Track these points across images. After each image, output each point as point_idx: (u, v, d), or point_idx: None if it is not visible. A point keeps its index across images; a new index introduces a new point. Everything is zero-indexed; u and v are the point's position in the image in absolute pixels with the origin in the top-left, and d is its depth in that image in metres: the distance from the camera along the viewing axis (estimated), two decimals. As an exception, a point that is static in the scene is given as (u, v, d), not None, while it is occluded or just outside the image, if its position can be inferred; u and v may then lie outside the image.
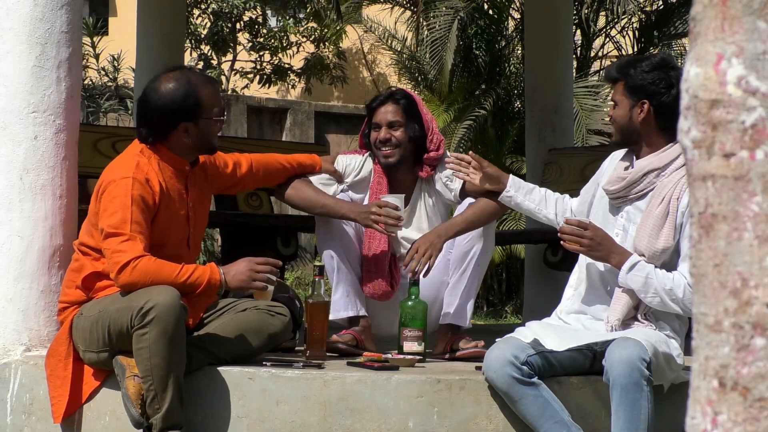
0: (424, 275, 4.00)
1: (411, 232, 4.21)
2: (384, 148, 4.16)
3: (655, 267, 3.44)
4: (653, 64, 3.49)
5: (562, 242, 3.51)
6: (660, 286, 3.40)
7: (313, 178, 4.21)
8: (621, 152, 3.66)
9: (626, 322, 3.51)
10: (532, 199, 3.86)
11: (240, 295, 4.05)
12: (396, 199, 4.03)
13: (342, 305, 4.13)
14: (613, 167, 3.64)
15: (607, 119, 3.56)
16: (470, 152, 4.07)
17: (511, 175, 3.97)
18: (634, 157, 3.57)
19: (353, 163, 4.28)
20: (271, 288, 3.67)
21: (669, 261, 3.48)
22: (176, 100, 3.68)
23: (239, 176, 4.07)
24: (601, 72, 12.15)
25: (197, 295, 3.60)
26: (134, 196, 3.57)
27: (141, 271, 3.50)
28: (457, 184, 4.19)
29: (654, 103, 3.46)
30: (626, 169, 3.55)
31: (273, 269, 3.65)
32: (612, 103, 3.58)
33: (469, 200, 4.09)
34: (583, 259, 3.63)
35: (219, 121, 3.77)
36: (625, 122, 3.51)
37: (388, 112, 4.19)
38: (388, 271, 4.16)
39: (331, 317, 4.14)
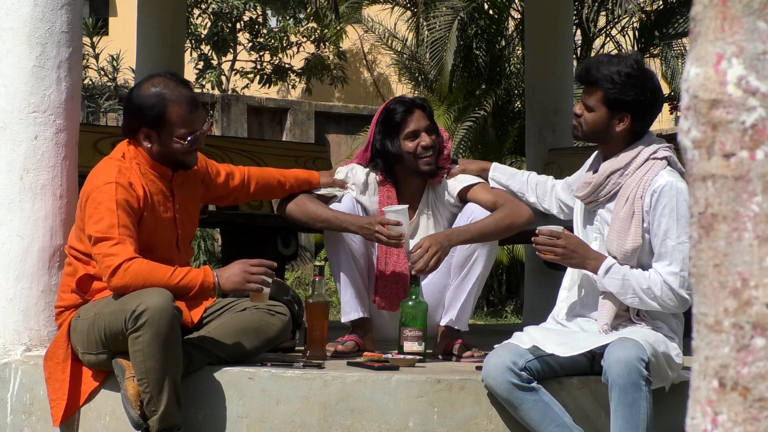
0: (426, 274, 3.99)
1: (414, 243, 4.18)
2: (427, 155, 4.09)
3: (630, 267, 3.45)
4: (633, 75, 3.46)
5: (537, 253, 3.52)
6: (637, 286, 3.42)
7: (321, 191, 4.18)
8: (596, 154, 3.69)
9: (622, 324, 3.51)
10: (513, 185, 4.03)
11: (240, 295, 4.05)
12: (398, 214, 3.96)
13: (353, 307, 4.13)
14: (585, 170, 3.68)
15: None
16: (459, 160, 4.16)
17: (493, 163, 4.16)
18: (602, 160, 3.58)
19: (358, 175, 4.18)
20: (267, 290, 3.66)
21: (646, 262, 3.48)
22: (144, 105, 3.68)
23: (231, 188, 4.06)
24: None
25: (191, 297, 3.60)
26: (119, 201, 3.57)
27: (133, 273, 3.49)
28: (454, 188, 4.14)
29: (635, 116, 3.48)
30: (594, 173, 3.57)
31: (268, 271, 3.64)
32: (584, 103, 3.53)
33: (477, 207, 4.06)
34: None
35: (182, 144, 3.69)
36: (600, 128, 3.51)
37: (422, 119, 4.12)
38: (402, 288, 4.13)
39: (342, 319, 4.15)
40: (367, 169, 4.19)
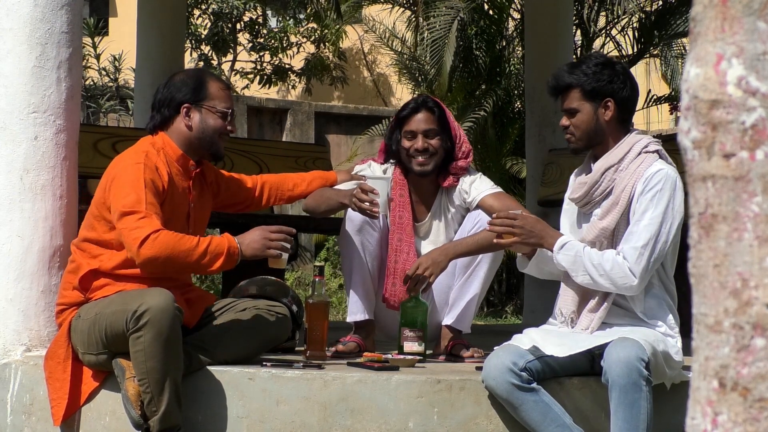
0: (423, 291, 4.00)
1: (427, 245, 4.17)
2: (420, 157, 4.10)
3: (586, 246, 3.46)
4: (600, 63, 3.52)
5: (495, 240, 3.52)
6: (588, 262, 3.41)
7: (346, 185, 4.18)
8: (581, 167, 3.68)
9: (620, 323, 3.50)
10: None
11: (239, 295, 4.05)
12: (376, 183, 3.94)
13: (359, 308, 4.12)
14: (574, 181, 3.67)
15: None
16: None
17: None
18: (592, 162, 3.58)
19: (375, 171, 4.20)
20: (285, 256, 3.68)
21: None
22: (183, 81, 3.81)
23: (241, 197, 4.09)
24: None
25: (217, 269, 3.60)
26: (146, 180, 3.61)
27: (161, 243, 3.51)
28: (474, 195, 4.15)
29: (617, 100, 3.50)
30: (586, 175, 3.57)
31: (287, 237, 3.66)
32: (566, 112, 3.54)
33: (483, 216, 4.05)
34: None
35: (223, 116, 3.78)
36: (591, 126, 3.52)
37: (423, 121, 4.13)
38: None
39: (348, 319, 4.15)
40: (385, 165, 4.22)
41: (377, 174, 4.17)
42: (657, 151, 3.50)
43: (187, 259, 3.53)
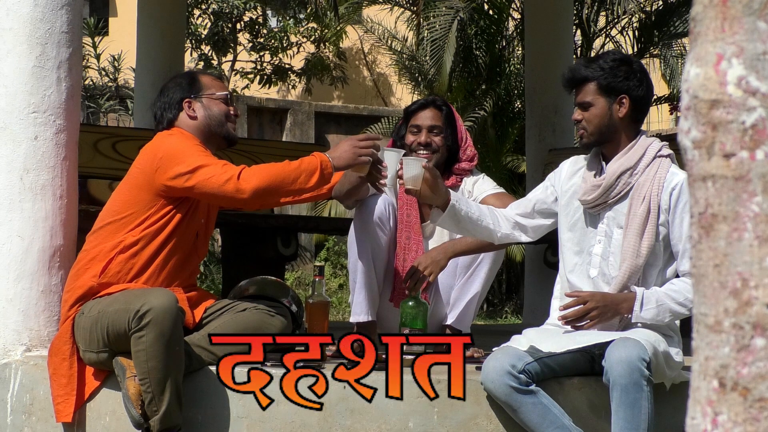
0: (424, 290, 4.00)
1: (432, 245, 4.18)
2: (422, 152, 4.13)
3: (651, 280, 3.45)
4: (618, 59, 3.52)
5: (573, 327, 3.46)
6: (674, 304, 3.41)
7: None
8: (578, 161, 3.66)
9: (620, 324, 3.51)
10: (474, 210, 3.64)
11: (239, 295, 4.05)
12: (388, 156, 3.87)
13: (363, 309, 4.12)
14: (571, 175, 3.64)
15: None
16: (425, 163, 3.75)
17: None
18: (603, 162, 3.56)
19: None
20: (369, 160, 3.73)
21: (653, 263, 3.47)
22: (175, 83, 3.89)
23: None
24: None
25: (313, 186, 3.62)
26: (195, 143, 3.73)
27: (258, 173, 3.57)
28: (476, 194, 4.16)
29: (632, 97, 3.49)
30: (596, 176, 3.55)
31: (376, 144, 3.72)
32: (580, 106, 3.53)
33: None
34: (563, 270, 3.62)
35: (224, 100, 3.86)
36: (604, 121, 3.50)
37: (429, 117, 4.18)
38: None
39: (351, 319, 4.15)
40: None
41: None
42: (670, 155, 3.51)
43: (285, 181, 3.59)
